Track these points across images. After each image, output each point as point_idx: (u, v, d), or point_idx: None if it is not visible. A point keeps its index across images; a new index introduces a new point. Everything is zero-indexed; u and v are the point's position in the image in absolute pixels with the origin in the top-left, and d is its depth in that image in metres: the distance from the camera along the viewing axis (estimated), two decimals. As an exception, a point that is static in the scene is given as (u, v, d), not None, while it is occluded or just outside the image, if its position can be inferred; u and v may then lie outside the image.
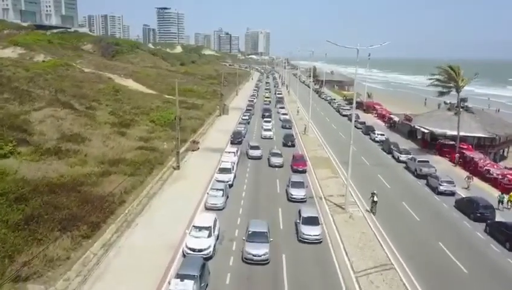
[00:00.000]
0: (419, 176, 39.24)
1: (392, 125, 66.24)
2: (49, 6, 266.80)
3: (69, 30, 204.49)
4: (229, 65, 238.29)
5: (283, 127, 62.18)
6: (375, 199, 30.08)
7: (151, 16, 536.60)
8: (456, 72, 44.37)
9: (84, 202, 27.96)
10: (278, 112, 75.27)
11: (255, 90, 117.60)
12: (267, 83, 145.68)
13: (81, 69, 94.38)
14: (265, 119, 64.37)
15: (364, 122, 65.42)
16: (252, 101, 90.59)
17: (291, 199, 31.22)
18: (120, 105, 65.01)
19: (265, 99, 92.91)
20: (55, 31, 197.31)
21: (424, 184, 37.44)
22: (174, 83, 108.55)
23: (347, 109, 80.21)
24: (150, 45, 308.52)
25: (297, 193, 30.71)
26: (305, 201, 30.61)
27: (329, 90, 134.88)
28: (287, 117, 69.50)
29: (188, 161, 42.73)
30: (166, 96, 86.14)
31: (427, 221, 29.16)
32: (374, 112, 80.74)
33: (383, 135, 55.73)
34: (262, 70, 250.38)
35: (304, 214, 25.39)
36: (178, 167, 39.49)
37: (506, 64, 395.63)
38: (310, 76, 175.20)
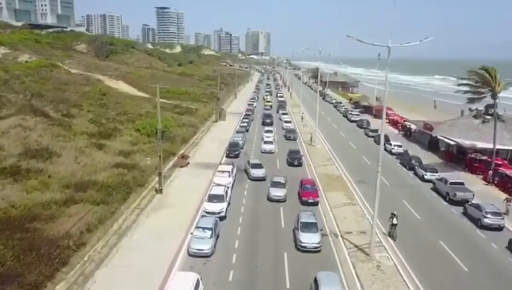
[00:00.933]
0: (453, 202, 32.42)
1: (407, 134, 59.41)
2: (45, 5, 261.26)
3: (65, 30, 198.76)
4: (229, 65, 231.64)
5: (287, 138, 54.35)
6: (395, 221, 25.82)
7: (151, 15, 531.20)
8: (492, 76, 37.49)
9: (28, 249, 21.26)
10: (281, 119, 68.12)
11: (255, 92, 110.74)
12: (267, 84, 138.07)
13: (67, 70, 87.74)
14: (266, 128, 56.47)
15: (376, 130, 58.52)
16: (252, 104, 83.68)
17: (301, 249, 23.53)
18: (104, 111, 58.31)
19: (266, 103, 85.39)
20: (50, 30, 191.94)
21: (461, 213, 30.59)
22: (168, 85, 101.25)
23: (356, 114, 73.33)
24: (149, 45, 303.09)
25: (309, 239, 23.22)
26: (319, 251, 23.48)
27: (333, 92, 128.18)
28: (290, 126, 61.29)
29: (173, 181, 35.91)
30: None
31: (478, 272, 22.32)
32: (385, 117, 73.77)
33: (401, 146, 48.80)
34: (263, 71, 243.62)
35: (323, 286, 17.48)
36: (160, 191, 32.71)
37: (506, 64, 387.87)
38: (313, 77, 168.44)
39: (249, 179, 36.51)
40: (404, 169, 42.61)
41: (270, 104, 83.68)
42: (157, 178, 36.77)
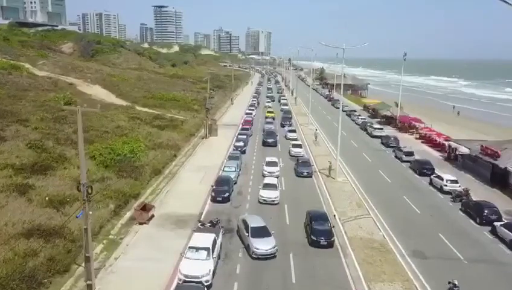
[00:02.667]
0: None
1: (450, 157, 45.77)
2: (34, 2, 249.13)
3: (55, 28, 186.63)
4: (229, 66, 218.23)
5: (299, 174, 37.47)
6: None
7: (149, 14, 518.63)
8: None
9: None
10: (287, 137, 53.26)
11: (254, 97, 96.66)
12: (268, 89, 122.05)
13: (31, 73, 74.45)
14: (268, 159, 38.82)
15: (412, 153, 44.87)
16: (251, 114, 69.98)
17: None
18: (59, 127, 44.89)
19: (268, 114, 68.98)
20: (40, 29, 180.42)
21: None
22: (155, 89, 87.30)
23: (379, 128, 59.46)
24: (146, 45, 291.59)
25: None
26: None
27: (341, 96, 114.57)
28: (302, 152, 44.43)
29: (120, 260, 22.24)
30: (139, 108, 66.26)
31: None
32: (414, 131, 60.17)
33: (456, 182, 34.96)
34: (264, 72, 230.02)
35: None
36: (90, 287, 19.16)
37: (506, 64, 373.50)
38: (318, 78, 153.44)
39: (250, 256, 22.63)
40: (473, 223, 28.89)
41: (272, 115, 68.56)
42: (101, 246, 23.71)
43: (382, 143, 53.78)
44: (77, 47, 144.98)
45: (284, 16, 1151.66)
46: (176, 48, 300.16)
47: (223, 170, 36.09)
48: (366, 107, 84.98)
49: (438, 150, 49.87)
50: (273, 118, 65.24)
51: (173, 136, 50.03)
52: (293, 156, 43.68)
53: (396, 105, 77.63)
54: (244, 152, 45.73)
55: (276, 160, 39.24)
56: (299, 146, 46.04)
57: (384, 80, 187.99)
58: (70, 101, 58.91)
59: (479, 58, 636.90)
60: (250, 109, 75.07)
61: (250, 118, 65.04)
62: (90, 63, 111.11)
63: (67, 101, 57.78)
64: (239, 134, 52.17)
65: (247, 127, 56.90)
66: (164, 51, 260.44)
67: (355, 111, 78.07)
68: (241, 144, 46.62)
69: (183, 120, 60.73)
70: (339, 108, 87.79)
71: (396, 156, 46.73)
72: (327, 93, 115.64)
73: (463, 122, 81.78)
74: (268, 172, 35.97)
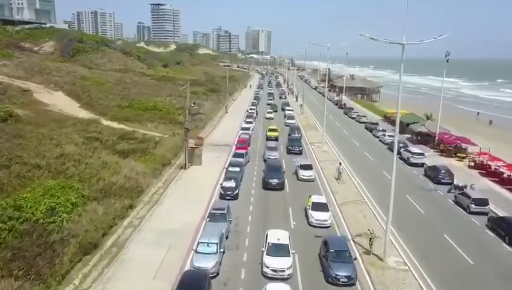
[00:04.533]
0: None
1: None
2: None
3: (43, 26, 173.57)
4: (228, 66, 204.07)
5: (333, 279, 19.50)
6: None
7: (146, 12, 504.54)
8: None
9: None
10: (299, 178, 36.19)
11: (253, 104, 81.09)
12: (269, 94, 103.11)
13: (-26, 76, 60.14)
14: (271, 240, 21.20)
15: (486, 202, 30.11)
16: (248, 129, 55.25)
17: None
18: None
19: (270, 134, 51.60)
20: (26, 26, 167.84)
21: None
22: (135, 95, 72.44)
23: (418, 154, 44.09)
24: (142, 43, 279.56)
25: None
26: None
27: (351, 101, 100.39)
28: (329, 221, 26.57)
29: None
30: (106, 122, 51.92)
31: None
32: (464, 156, 45.44)
33: None
34: (264, 72, 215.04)
35: None
36: None
37: (506, 64, 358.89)
38: (324, 80, 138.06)
39: None
40: None
41: (276, 134, 51.19)
42: None
43: (427, 176, 39.00)
44: (58, 46, 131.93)
45: (285, 16, 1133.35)
46: (173, 47, 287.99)
47: (196, 251, 21.28)
48: (387, 118, 70.17)
49: (509, 189, 35.22)
50: (277, 139, 49.79)
51: (137, 169, 35.36)
52: (313, 224, 26.31)
53: (428, 118, 62.86)
54: (236, 197, 31.11)
55: (287, 241, 21.28)
56: (324, 207, 26.86)
57: (386, 81, 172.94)
58: (11, 114, 44.81)
59: (477, 58, 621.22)
60: (247, 122, 60.15)
61: (247, 136, 50.07)
62: (66, 64, 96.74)
63: (3, 116, 43.47)
64: (231, 164, 37.39)
65: (243, 151, 41.93)
66: (160, 50, 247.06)
67: (377, 124, 63.13)
68: (231, 184, 31.77)
69: (159, 139, 46.25)
70: (354, 118, 74.86)
71: (457, 202, 32.01)
72: (336, 98, 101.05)
73: (501, 135, 66.86)
74: (273, 269, 19.34)
